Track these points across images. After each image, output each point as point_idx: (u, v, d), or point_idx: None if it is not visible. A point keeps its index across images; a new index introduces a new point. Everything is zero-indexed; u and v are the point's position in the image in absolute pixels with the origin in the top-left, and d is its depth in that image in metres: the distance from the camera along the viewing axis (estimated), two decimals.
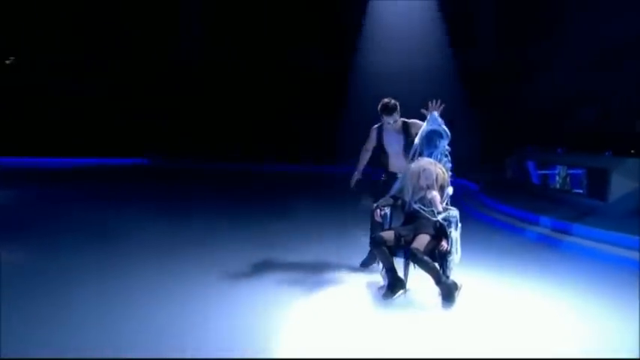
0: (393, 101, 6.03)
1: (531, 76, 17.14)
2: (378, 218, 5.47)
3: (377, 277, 5.60)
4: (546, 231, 8.62)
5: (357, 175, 6.25)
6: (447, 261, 5.19)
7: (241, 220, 9.00)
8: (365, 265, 6.20)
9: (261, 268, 6.07)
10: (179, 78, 21.48)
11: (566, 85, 15.80)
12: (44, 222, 8.52)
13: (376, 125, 6.24)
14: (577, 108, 15.65)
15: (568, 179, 10.69)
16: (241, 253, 6.59)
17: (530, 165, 12.29)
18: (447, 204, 5.55)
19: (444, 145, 5.80)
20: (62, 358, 3.43)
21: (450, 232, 5.31)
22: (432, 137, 5.82)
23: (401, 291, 5.24)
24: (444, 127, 5.80)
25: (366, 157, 6.32)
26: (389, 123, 6.03)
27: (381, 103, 6.04)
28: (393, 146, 6.13)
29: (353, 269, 6.14)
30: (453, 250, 5.25)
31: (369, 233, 6.01)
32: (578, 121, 15.15)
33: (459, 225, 5.34)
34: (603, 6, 14.33)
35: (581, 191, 10.22)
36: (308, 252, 6.77)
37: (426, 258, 5.04)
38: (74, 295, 4.83)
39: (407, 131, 6.07)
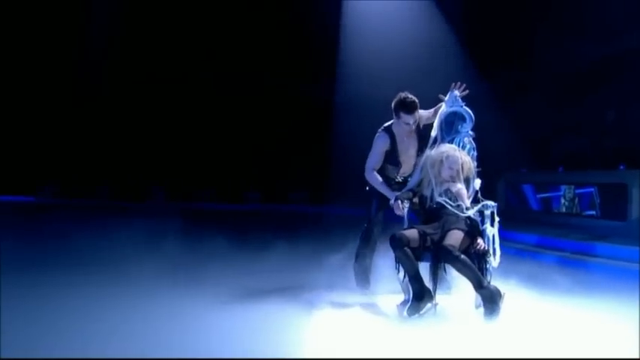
0: (411, 96, 5.42)
1: (509, 103, 17.46)
2: (399, 212, 5.07)
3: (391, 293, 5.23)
4: (566, 254, 8.46)
5: (392, 195, 5.31)
6: (486, 262, 4.83)
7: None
8: (362, 284, 5.71)
9: (268, 290, 5.69)
10: (82, 98, 20.09)
11: (547, 111, 16.13)
12: None
13: (381, 132, 5.57)
14: (564, 134, 15.94)
15: (576, 200, 10.65)
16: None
17: (528, 189, 12.25)
18: (473, 200, 5.25)
19: (467, 129, 5.52)
20: (62, 358, 3.57)
21: (485, 228, 4.99)
22: (452, 120, 5.52)
23: (429, 304, 4.78)
24: (466, 108, 5.57)
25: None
26: (407, 124, 5.43)
27: (397, 99, 5.42)
28: (409, 151, 5.58)
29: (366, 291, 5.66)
30: (491, 249, 4.92)
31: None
32: (568, 147, 15.40)
33: (497, 220, 5.00)
34: (574, 29, 14.81)
35: (593, 212, 10.18)
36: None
37: (463, 257, 4.64)
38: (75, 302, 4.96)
39: (419, 127, 5.62)
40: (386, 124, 5.64)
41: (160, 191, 20.26)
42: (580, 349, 4.01)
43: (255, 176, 20.49)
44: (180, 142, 20.19)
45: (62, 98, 19.71)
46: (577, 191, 10.65)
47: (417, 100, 5.44)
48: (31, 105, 19.59)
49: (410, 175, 5.55)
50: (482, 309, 4.67)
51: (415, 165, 5.52)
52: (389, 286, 5.28)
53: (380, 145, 5.58)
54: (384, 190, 5.46)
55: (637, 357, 3.83)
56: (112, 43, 19.30)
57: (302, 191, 20.44)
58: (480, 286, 4.63)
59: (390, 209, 5.34)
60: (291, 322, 4.46)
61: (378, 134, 5.63)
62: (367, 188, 5.67)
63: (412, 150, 5.61)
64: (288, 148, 19.73)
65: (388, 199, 5.35)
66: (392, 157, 5.59)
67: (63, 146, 19.92)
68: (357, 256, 5.77)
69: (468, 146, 5.48)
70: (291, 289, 5.60)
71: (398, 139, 5.56)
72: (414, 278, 4.81)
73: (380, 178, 5.52)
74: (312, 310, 4.86)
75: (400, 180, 5.61)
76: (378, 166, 5.57)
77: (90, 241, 8.12)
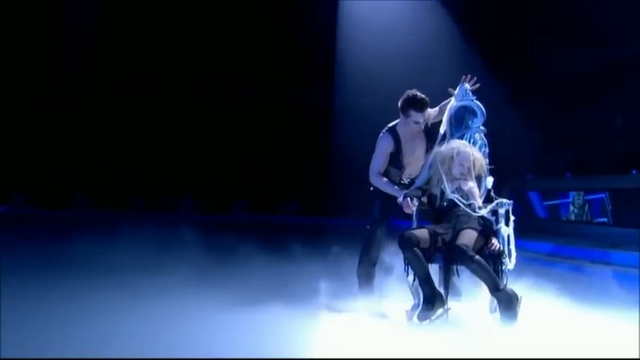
0: (421, 93, 5.33)
1: (514, 106, 17.49)
2: (408, 210, 4.97)
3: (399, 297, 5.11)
4: (580, 262, 8.42)
5: (400, 193, 5.18)
6: (502, 264, 4.74)
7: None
8: (366, 289, 5.59)
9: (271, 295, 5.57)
10: (59, 103, 19.76)
11: (553, 115, 16.16)
12: None
13: (385, 133, 5.47)
14: (571, 139, 15.98)
15: (586, 207, 10.60)
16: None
17: (533, 196, 12.21)
18: (485, 199, 5.18)
19: (479, 125, 5.44)
20: (62, 358, 3.62)
21: (500, 227, 4.90)
22: (462, 115, 5.43)
23: (440, 309, 4.69)
24: (477, 102, 5.50)
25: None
26: (417, 122, 5.35)
27: (405, 96, 5.33)
28: (416, 152, 5.48)
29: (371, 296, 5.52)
30: (506, 250, 4.83)
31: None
32: (575, 152, 15.43)
33: (512, 219, 4.92)
34: (581, 32, 14.88)
35: (605, 220, 10.15)
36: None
37: (478, 257, 4.55)
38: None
39: (427, 126, 5.54)
40: (390, 125, 5.54)
41: (141, 200, 20.08)
42: (594, 353, 3.98)
43: (244, 185, 20.38)
44: (166, 149, 20.10)
45: (36, 104, 19.44)
46: (587, 197, 10.60)
47: (427, 98, 5.37)
48: (2, 112, 19.35)
49: (417, 177, 5.46)
50: (497, 314, 4.59)
51: (423, 164, 5.44)
52: (397, 290, 5.17)
53: (384, 146, 5.47)
54: (391, 189, 5.35)
55: (637, 357, 3.83)
56: (95, 46, 19.14)
57: (293, 201, 20.33)
58: (496, 288, 4.53)
59: (395, 210, 5.27)
60: (297, 326, 4.41)
61: (381, 135, 5.53)
62: (371, 188, 5.58)
63: (419, 151, 5.51)
64: (281, 155, 19.64)
65: (393, 200, 5.24)
66: (396, 160, 5.48)
67: (35, 154, 19.58)
68: (361, 261, 5.65)
69: (479, 142, 5.38)
70: (295, 295, 5.51)
71: (403, 139, 5.45)
72: (425, 281, 4.71)
73: (385, 179, 5.43)
74: (318, 316, 4.81)
75: (406, 182, 5.52)
76: (383, 169, 5.46)
77: (84, 246, 8.15)
